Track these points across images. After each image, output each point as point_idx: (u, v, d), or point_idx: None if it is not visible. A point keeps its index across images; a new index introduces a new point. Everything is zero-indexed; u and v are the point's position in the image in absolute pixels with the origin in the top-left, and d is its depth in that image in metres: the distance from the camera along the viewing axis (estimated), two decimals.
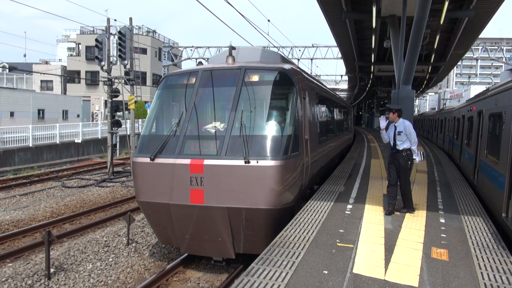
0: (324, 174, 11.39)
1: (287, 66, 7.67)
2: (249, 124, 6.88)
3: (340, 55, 28.03)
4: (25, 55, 77.32)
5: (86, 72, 45.05)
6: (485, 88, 11.70)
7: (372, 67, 24.29)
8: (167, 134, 7.28)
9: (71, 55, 48.82)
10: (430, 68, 24.10)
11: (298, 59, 37.81)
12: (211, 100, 7.52)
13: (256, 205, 6.45)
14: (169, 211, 6.95)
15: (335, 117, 15.34)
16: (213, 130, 7.01)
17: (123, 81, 17.37)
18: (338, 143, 15.19)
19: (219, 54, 8.62)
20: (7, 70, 39.60)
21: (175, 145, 6.98)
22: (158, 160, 6.95)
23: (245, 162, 6.40)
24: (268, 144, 6.72)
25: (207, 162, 6.60)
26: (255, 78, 7.27)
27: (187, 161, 6.70)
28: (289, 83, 7.39)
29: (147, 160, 6.99)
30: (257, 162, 6.41)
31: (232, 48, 7.94)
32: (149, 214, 7.42)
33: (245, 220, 6.61)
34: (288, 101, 7.35)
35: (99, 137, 28.15)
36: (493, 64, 62.46)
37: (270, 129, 6.99)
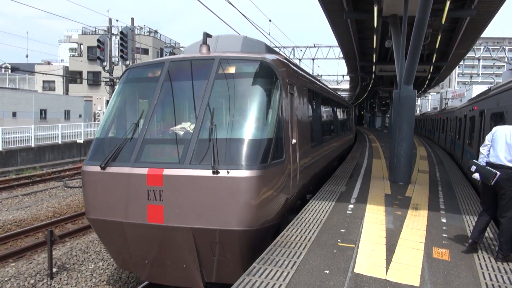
0: (320, 180, 10.46)
1: (270, 57, 6.45)
2: (221, 126, 5.82)
3: (341, 55, 28.01)
4: (27, 56, 77.80)
5: (88, 72, 45.18)
6: (487, 88, 11.69)
7: (373, 67, 24.25)
8: (124, 137, 6.09)
9: (73, 55, 48.93)
10: (431, 68, 24.04)
11: (300, 59, 37.80)
12: (178, 96, 6.41)
13: (227, 225, 5.31)
14: (124, 232, 5.80)
15: (333, 116, 14.29)
16: (182, 133, 5.90)
17: None
18: (336, 145, 14.10)
19: (195, 43, 7.21)
20: (9, 70, 39.72)
21: (131, 151, 5.80)
22: (110, 169, 5.76)
23: (213, 173, 5.27)
24: (243, 149, 5.54)
25: (167, 172, 5.47)
26: (231, 70, 6.14)
27: (144, 170, 5.55)
28: (271, 76, 6.22)
29: (98, 169, 5.81)
30: (228, 172, 5.27)
31: (207, 35, 6.82)
32: (101, 234, 6.27)
33: (215, 244, 5.50)
34: (270, 97, 6.15)
35: None
36: (495, 64, 62.32)
37: (246, 132, 5.77)
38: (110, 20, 23.08)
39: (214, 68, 6.07)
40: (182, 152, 5.63)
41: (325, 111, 12.11)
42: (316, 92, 10.30)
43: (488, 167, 5.04)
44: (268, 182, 5.68)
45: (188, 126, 5.91)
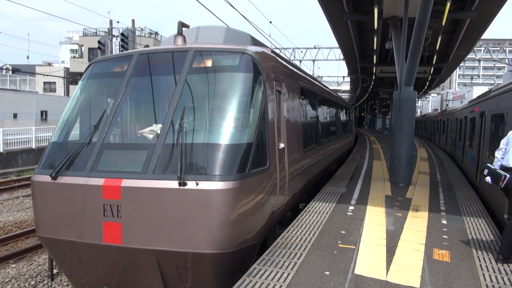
0: (316, 187, 9.87)
1: (253, 49, 5.64)
2: (192, 128, 4.99)
3: (342, 57, 28.04)
4: (28, 57, 77.74)
5: None
6: (488, 89, 11.70)
7: (374, 68, 24.28)
8: (81, 141, 5.23)
9: (74, 57, 49.00)
10: (432, 69, 24.06)
11: (300, 61, 37.82)
12: (146, 93, 5.57)
13: (197, 247, 4.51)
14: (78, 253, 4.98)
15: (330, 118, 13.35)
16: (151, 136, 5.09)
17: None
18: (334, 148, 13.34)
19: (173, 35, 6.39)
20: (10, 72, 39.81)
21: (87, 158, 4.96)
22: (62, 180, 4.90)
23: (180, 184, 4.46)
24: (217, 156, 4.72)
25: (126, 183, 4.63)
26: (207, 63, 5.35)
27: (99, 181, 4.71)
28: (253, 71, 5.38)
29: (48, 178, 4.93)
30: (197, 183, 4.46)
31: (182, 25, 6.01)
32: (53, 255, 5.39)
33: (183, 269, 4.72)
34: (251, 95, 5.29)
35: None
36: (496, 65, 62.33)
37: (222, 135, 4.95)
38: (111, 21, 23.16)
39: (187, 61, 5.27)
40: (145, 160, 4.78)
41: (321, 111, 11.18)
42: (310, 90, 9.56)
43: (498, 170, 5.06)
44: (247, 194, 4.90)
45: (158, 128, 5.08)
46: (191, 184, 4.50)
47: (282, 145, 6.15)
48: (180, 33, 5.86)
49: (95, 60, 6.19)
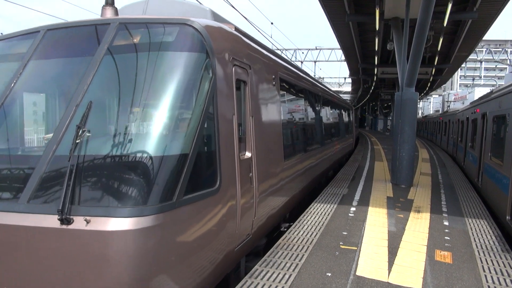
0: (304, 200, 8.81)
1: (201, 21, 4.10)
2: (98, 133, 3.49)
3: (343, 58, 28.05)
4: None
5: None
6: (489, 91, 11.69)
7: (375, 69, 24.28)
8: None
9: None
10: (433, 70, 24.04)
11: (302, 62, 37.85)
12: (48, 83, 4.06)
13: None
14: None
15: (325, 118, 11.63)
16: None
17: None
18: (329, 154, 11.74)
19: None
20: None
21: None
22: None
23: (61, 222, 2.92)
24: (125, 177, 3.24)
25: None
26: (134, 39, 3.86)
27: None
28: (196, 49, 3.87)
29: None
30: (87, 221, 2.93)
31: None
32: None
33: None
34: (190, 85, 3.75)
35: None
36: (497, 66, 62.25)
37: (137, 144, 3.40)
38: None
39: (106, 37, 3.85)
40: (21, 182, 3.24)
41: (311, 111, 9.57)
42: (295, 84, 7.81)
43: None
44: (176, 234, 3.31)
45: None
46: (78, 222, 2.91)
47: (248, 155, 4.75)
48: (110, 3, 4.38)
49: None
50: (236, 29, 5.17)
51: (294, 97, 8.02)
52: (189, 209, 3.47)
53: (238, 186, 4.38)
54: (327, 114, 12.42)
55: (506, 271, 4.70)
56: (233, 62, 4.50)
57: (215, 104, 4.00)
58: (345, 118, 18.03)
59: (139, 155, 3.28)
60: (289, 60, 8.33)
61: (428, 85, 33.27)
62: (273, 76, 6.13)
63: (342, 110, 17.02)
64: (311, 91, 9.69)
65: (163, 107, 3.55)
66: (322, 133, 10.97)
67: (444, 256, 5.13)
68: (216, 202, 3.91)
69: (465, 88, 68.70)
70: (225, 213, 4.09)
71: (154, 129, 3.48)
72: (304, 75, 9.33)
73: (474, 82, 58.14)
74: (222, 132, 4.10)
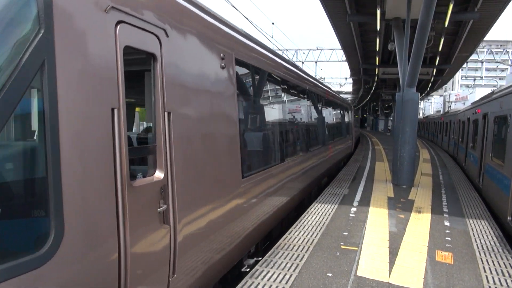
0: (285, 226, 7.44)
1: None
2: None
3: (344, 58, 28.03)
4: None
5: None
6: (491, 91, 11.68)
7: (376, 69, 24.24)
8: None
9: None
10: (434, 70, 24.00)
11: (303, 62, 37.83)
12: None
13: None
14: None
15: (312, 118, 9.68)
16: None
17: None
18: (320, 161, 9.98)
19: None
20: None
21: None
22: None
23: None
24: None
25: None
26: None
27: None
28: None
29: None
30: None
31: None
32: None
33: None
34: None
35: None
36: (499, 67, 62.17)
37: None
38: None
39: None
40: None
41: (292, 108, 7.83)
42: (264, 70, 5.89)
43: None
44: None
45: None
46: None
47: (158, 176, 3.09)
48: None
49: None
50: None
51: (265, 88, 6.18)
52: None
53: (121, 235, 2.63)
54: (316, 113, 10.41)
55: (507, 271, 4.70)
56: (116, 16, 2.66)
57: (51, 85, 2.15)
58: (342, 118, 16.21)
59: None
60: (257, 40, 5.89)
61: (429, 85, 33.23)
62: (223, 55, 4.29)
63: (339, 109, 15.20)
64: (291, 83, 7.64)
65: None
66: (308, 136, 9.05)
67: (445, 256, 5.13)
68: (48, 280, 2.09)
69: (466, 88, 68.64)
70: None
71: None
72: (280, 61, 7.10)
73: (475, 83, 58.06)
74: (71, 138, 2.28)
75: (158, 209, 3.07)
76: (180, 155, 3.39)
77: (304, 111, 8.93)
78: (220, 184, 4.18)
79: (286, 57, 9.01)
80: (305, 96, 9.10)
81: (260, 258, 5.29)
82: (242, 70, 5.04)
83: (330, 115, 12.84)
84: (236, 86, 4.66)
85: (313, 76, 11.04)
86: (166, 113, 3.22)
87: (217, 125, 4.15)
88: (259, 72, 5.77)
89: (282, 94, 7.15)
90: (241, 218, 4.73)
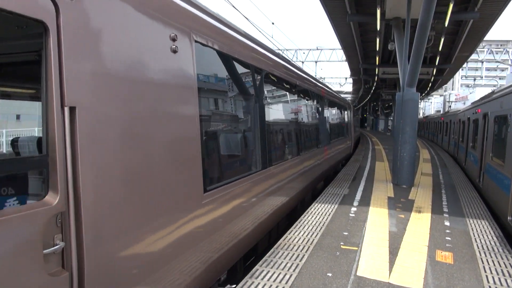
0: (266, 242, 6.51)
1: None
2: None
3: (344, 58, 28.04)
4: None
5: None
6: (491, 91, 11.67)
7: (376, 69, 24.26)
8: None
9: None
10: (435, 70, 24.02)
11: (303, 62, 37.82)
12: None
13: None
14: None
15: (302, 117, 8.62)
16: None
17: None
18: (308, 167, 8.74)
19: None
20: None
21: None
22: None
23: None
24: None
25: None
26: None
27: None
28: None
29: None
30: None
31: None
32: None
33: None
34: None
35: None
36: (499, 67, 62.18)
37: None
38: None
39: None
40: None
41: (276, 105, 6.90)
42: (236, 59, 4.81)
43: None
44: None
45: None
46: None
47: (49, 200, 2.20)
48: None
49: None
50: None
51: (241, 81, 5.21)
52: None
53: None
54: (308, 112, 9.44)
55: (508, 271, 4.69)
56: None
57: None
58: (342, 119, 15.45)
59: None
60: (233, 25, 5.02)
61: (429, 85, 33.23)
62: (174, 35, 3.31)
63: (337, 108, 14.24)
64: (275, 76, 6.55)
65: None
66: (298, 138, 8.07)
67: (445, 256, 5.13)
68: None
69: (466, 88, 68.62)
70: None
71: None
72: (262, 50, 5.98)
73: (475, 82, 58.06)
74: None
75: (46, 250, 2.12)
76: (92, 169, 2.39)
77: (291, 109, 7.85)
78: (168, 202, 3.12)
79: (285, 56, 8.61)
80: (293, 92, 7.92)
81: (234, 286, 4.38)
82: (209, 58, 4.08)
83: (325, 114, 11.69)
84: (197, 77, 3.66)
85: (303, 69, 9.49)
86: (66, 108, 2.24)
87: (162, 126, 3.11)
88: (233, 61, 4.76)
89: (264, 88, 5.98)
90: (203, 243, 3.69)
